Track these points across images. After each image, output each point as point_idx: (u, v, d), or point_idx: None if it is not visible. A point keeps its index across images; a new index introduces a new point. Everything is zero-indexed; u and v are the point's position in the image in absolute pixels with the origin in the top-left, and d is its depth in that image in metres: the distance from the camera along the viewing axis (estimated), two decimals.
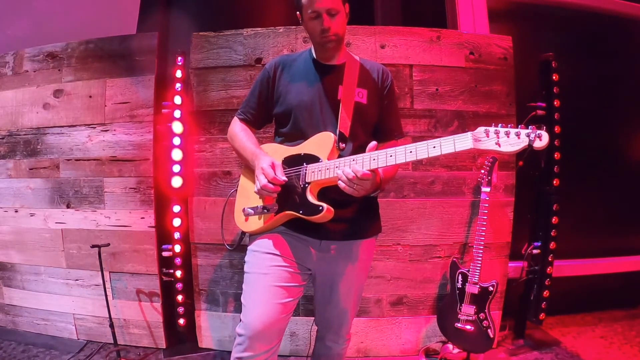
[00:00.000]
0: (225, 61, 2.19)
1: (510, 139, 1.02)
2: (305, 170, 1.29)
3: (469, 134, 1.06)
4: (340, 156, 1.29)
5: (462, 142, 1.06)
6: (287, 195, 1.30)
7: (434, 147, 1.10)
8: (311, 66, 1.41)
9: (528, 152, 1.04)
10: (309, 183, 1.28)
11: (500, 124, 1.04)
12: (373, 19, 2.82)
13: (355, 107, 1.35)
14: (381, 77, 1.44)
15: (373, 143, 1.19)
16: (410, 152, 1.13)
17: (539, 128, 1.01)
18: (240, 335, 1.27)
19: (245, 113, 1.47)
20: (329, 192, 1.29)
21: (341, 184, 1.19)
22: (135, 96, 2.24)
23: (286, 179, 1.28)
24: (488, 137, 1.04)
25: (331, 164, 1.25)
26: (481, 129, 1.05)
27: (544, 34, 2.87)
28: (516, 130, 1.02)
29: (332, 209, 1.24)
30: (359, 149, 1.30)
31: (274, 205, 1.30)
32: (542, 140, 1.00)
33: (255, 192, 1.32)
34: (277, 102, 1.41)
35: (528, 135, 1.00)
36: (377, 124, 1.43)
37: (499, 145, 1.03)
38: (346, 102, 1.35)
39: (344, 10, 1.32)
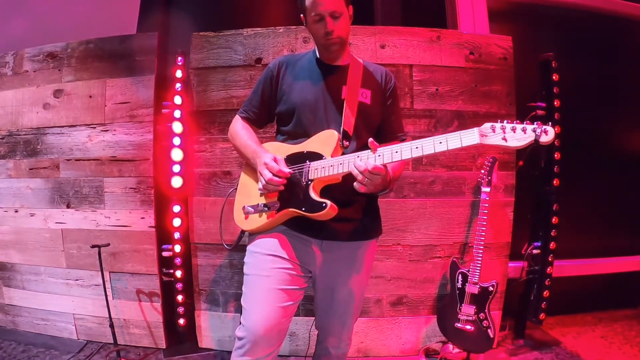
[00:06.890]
0: (225, 61, 2.19)
1: (516, 134, 1.01)
2: (309, 167, 1.27)
3: (475, 129, 1.05)
4: (343, 154, 1.28)
5: (468, 137, 1.06)
6: (290, 192, 1.28)
7: (440, 142, 1.09)
8: (315, 66, 1.40)
9: (532, 148, 1.04)
10: (312, 180, 1.26)
11: (505, 120, 1.04)
12: (373, 19, 2.82)
13: (359, 106, 1.35)
14: (384, 79, 1.44)
15: (371, 140, 1.17)
16: (417, 147, 1.12)
17: (544, 124, 1.01)
18: (240, 338, 1.26)
19: (248, 111, 1.46)
20: (331, 190, 1.28)
21: (356, 185, 1.18)
22: (135, 96, 2.23)
23: (291, 171, 1.27)
24: (494, 132, 1.03)
25: (335, 161, 1.24)
26: (487, 124, 1.04)
27: (544, 34, 2.86)
28: (522, 125, 1.01)
29: (335, 206, 1.23)
30: (362, 148, 1.28)
31: (276, 202, 1.29)
32: (548, 135, 0.99)
33: (259, 188, 1.30)
34: (280, 101, 1.40)
35: (534, 131, 1.00)
36: (380, 125, 1.43)
37: (506, 140, 1.02)
38: (350, 101, 1.34)
39: (347, 13, 1.32)
